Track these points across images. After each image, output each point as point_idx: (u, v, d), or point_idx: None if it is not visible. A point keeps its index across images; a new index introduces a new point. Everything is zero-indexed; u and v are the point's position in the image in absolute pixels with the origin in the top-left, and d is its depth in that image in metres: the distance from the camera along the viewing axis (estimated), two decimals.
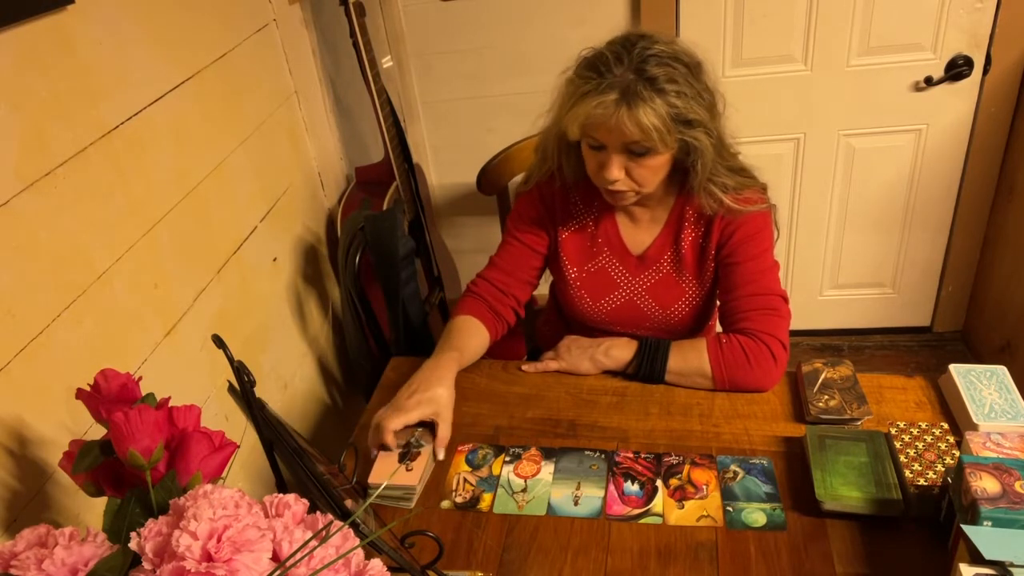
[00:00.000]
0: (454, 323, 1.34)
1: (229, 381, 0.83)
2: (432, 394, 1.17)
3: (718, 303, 1.32)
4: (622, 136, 1.11)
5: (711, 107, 1.15)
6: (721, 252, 1.27)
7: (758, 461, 1.10)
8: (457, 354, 1.26)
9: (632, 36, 1.13)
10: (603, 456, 1.14)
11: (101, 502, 0.72)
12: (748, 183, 1.25)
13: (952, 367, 1.15)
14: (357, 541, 0.67)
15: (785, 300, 1.25)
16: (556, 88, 1.19)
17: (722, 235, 1.26)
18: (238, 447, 0.78)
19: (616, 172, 1.15)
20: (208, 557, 0.59)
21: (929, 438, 1.04)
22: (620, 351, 1.27)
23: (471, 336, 1.32)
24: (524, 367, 1.33)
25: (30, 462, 0.96)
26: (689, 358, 1.23)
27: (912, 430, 1.05)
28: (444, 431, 1.16)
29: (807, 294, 2.43)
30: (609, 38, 1.15)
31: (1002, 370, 1.13)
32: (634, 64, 1.09)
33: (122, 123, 1.17)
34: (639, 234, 1.34)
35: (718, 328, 1.34)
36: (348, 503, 0.84)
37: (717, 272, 1.31)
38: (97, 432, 0.77)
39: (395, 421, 1.13)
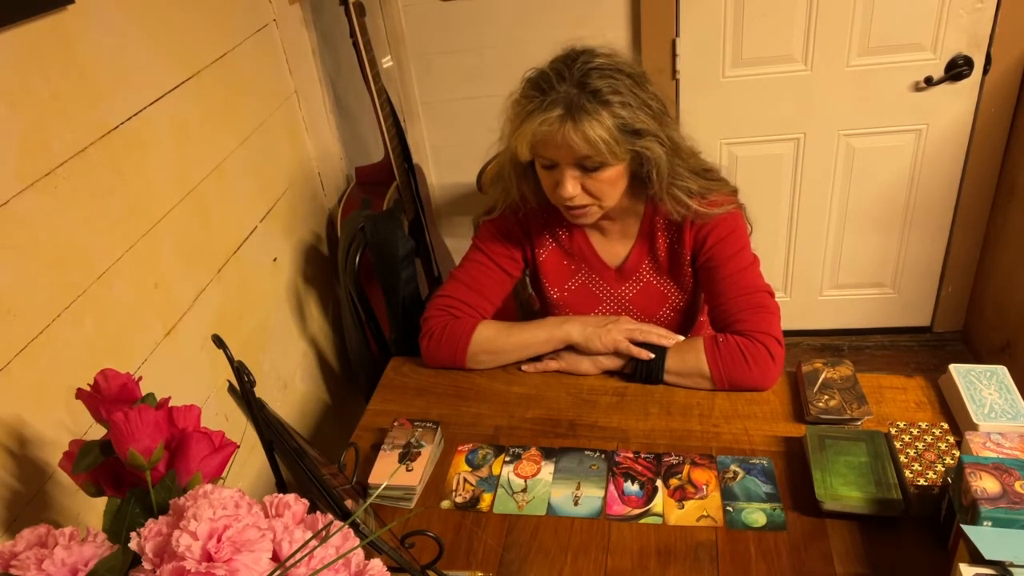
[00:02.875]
0: (488, 329, 1.31)
1: (229, 381, 0.83)
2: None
3: (707, 307, 1.32)
4: (572, 152, 1.11)
5: (659, 115, 1.15)
6: (698, 258, 1.28)
7: (758, 461, 1.10)
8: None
9: (573, 52, 1.14)
10: (603, 456, 1.14)
11: (101, 502, 0.72)
12: (714, 186, 1.24)
13: (952, 367, 1.15)
14: (357, 541, 0.67)
15: (771, 295, 1.25)
16: (505, 111, 1.19)
17: (695, 240, 1.26)
18: (238, 447, 0.78)
19: (571, 188, 1.15)
20: (208, 557, 0.59)
21: (929, 438, 1.04)
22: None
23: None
24: (524, 367, 1.33)
25: (30, 462, 0.96)
26: (687, 359, 1.23)
27: (912, 430, 1.05)
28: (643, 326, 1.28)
29: (807, 294, 2.43)
30: (552, 56, 1.16)
31: (1002, 370, 1.13)
32: (576, 79, 1.10)
33: (122, 123, 1.17)
34: (613, 247, 1.34)
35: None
36: (348, 503, 0.84)
37: (696, 276, 1.31)
38: (97, 432, 0.77)
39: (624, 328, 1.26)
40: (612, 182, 1.17)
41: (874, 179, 2.19)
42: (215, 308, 1.42)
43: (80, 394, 0.78)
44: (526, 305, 1.70)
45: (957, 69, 1.97)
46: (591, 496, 1.07)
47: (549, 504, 1.07)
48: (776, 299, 1.25)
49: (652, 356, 1.24)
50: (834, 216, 2.27)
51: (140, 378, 0.79)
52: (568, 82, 1.10)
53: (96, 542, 0.66)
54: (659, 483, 1.08)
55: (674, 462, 1.11)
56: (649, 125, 1.13)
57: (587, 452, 1.15)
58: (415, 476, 1.10)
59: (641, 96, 1.12)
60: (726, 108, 2.12)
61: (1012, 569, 0.75)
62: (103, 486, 0.76)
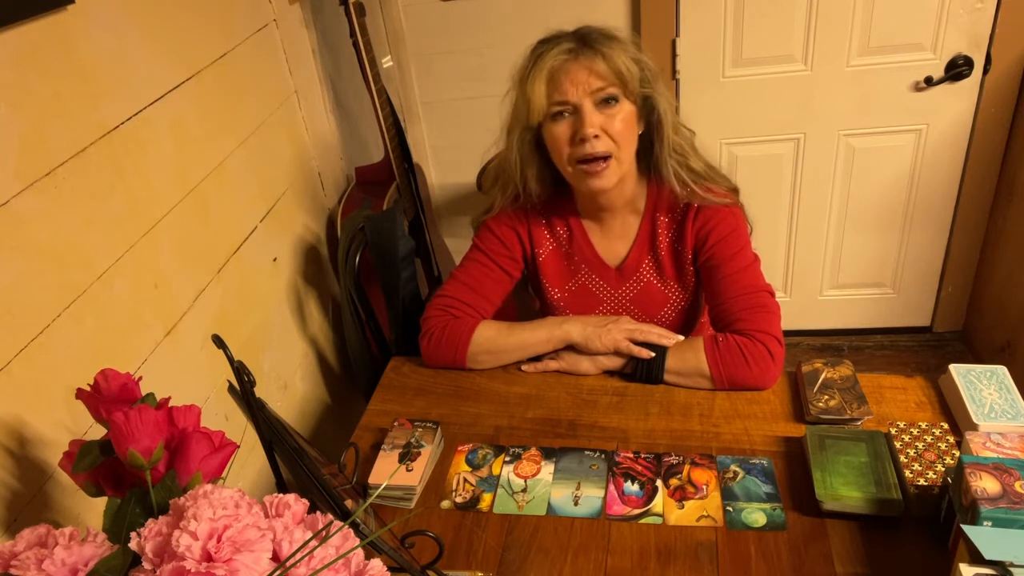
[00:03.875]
0: (488, 330, 1.31)
1: (229, 381, 0.83)
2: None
3: (707, 307, 1.32)
4: (590, 82, 1.14)
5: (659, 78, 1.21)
6: (699, 257, 1.28)
7: (758, 461, 1.10)
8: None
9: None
10: (603, 456, 1.14)
11: (101, 502, 0.72)
12: (715, 176, 1.26)
13: (952, 367, 1.15)
14: (357, 541, 0.67)
15: (772, 294, 1.25)
16: (508, 99, 1.22)
17: (696, 238, 1.27)
18: (238, 447, 0.78)
19: (591, 125, 1.15)
20: (208, 557, 0.59)
21: (929, 438, 1.04)
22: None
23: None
24: (524, 367, 1.33)
25: (30, 462, 0.96)
26: (687, 358, 1.23)
27: (912, 430, 1.05)
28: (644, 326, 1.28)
29: (807, 294, 2.43)
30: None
31: (1002, 370, 1.13)
32: (580, 34, 1.16)
33: (122, 123, 1.17)
34: (613, 246, 1.34)
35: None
36: (348, 503, 0.84)
37: (698, 274, 1.31)
38: (97, 432, 0.77)
39: (625, 328, 1.26)
40: (628, 124, 1.18)
41: (874, 179, 2.19)
42: (215, 308, 1.42)
43: (80, 394, 0.78)
44: (526, 306, 1.70)
45: (957, 69, 1.97)
46: (591, 496, 1.07)
47: (549, 504, 1.07)
48: (776, 299, 1.25)
49: (652, 355, 1.24)
50: (834, 216, 2.27)
51: (140, 378, 0.79)
52: (574, 34, 1.16)
53: (96, 542, 0.66)
54: (659, 483, 1.08)
55: (674, 462, 1.11)
56: (654, 72, 1.18)
57: (587, 452, 1.15)
58: (415, 476, 1.10)
59: (643, 55, 1.18)
60: (726, 108, 2.12)
61: (1012, 569, 0.75)
62: (103, 486, 0.76)
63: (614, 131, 1.16)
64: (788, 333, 1.28)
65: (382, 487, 1.09)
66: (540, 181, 1.28)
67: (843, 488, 0.99)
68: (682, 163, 1.21)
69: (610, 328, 1.26)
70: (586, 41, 1.14)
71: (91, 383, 0.78)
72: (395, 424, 1.20)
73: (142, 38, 1.23)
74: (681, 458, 1.12)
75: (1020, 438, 0.97)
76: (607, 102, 1.15)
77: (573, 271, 1.36)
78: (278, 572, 0.61)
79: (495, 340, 1.30)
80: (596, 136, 1.15)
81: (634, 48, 1.17)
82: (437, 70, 2.16)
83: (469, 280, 1.35)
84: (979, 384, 1.11)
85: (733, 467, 1.09)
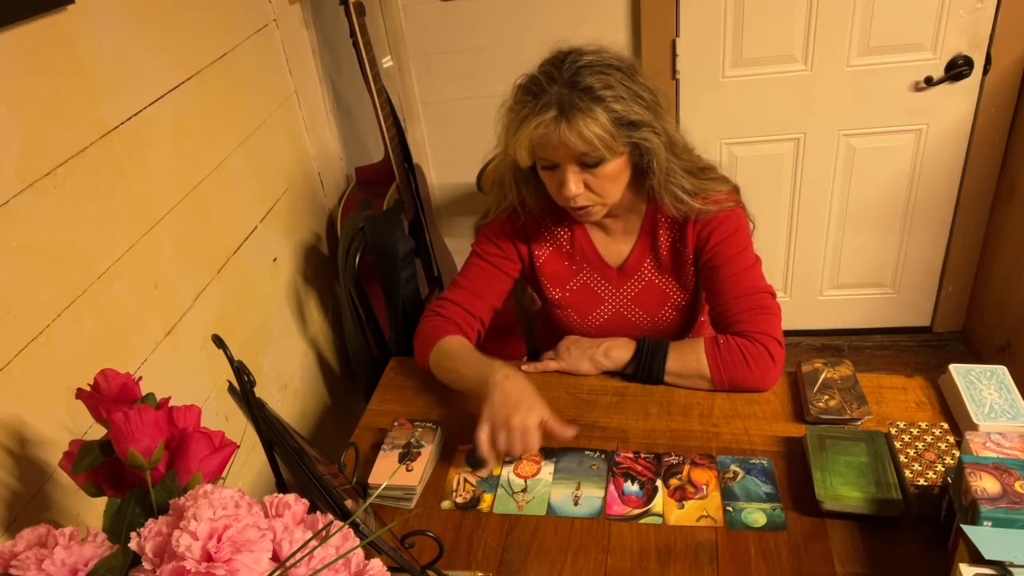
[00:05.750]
0: (452, 343, 1.27)
1: (229, 381, 0.83)
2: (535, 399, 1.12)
3: (708, 307, 1.32)
4: (570, 150, 1.11)
5: (652, 106, 1.14)
6: (701, 256, 1.27)
7: (758, 461, 1.10)
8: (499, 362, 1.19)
9: (561, 53, 1.14)
10: (603, 456, 1.14)
11: (101, 502, 0.72)
12: (710, 185, 1.23)
13: (952, 367, 1.15)
14: (357, 541, 0.67)
15: (773, 295, 1.24)
16: (499, 120, 1.18)
17: (698, 239, 1.26)
18: (238, 447, 0.78)
19: (574, 187, 1.14)
20: (208, 557, 0.59)
21: (929, 438, 1.04)
22: (619, 352, 1.28)
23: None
24: (524, 367, 1.33)
25: (30, 462, 0.96)
26: (687, 359, 1.23)
27: (912, 430, 1.05)
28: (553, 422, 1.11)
29: (807, 294, 2.43)
30: (542, 59, 1.15)
31: (1002, 370, 1.13)
32: (566, 79, 1.09)
33: (122, 123, 1.17)
34: (615, 245, 1.33)
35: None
36: (348, 503, 0.84)
37: (699, 274, 1.31)
38: (97, 432, 0.77)
39: (536, 416, 1.08)
40: (613, 177, 1.17)
41: (874, 179, 2.19)
42: (215, 308, 1.42)
43: (80, 394, 0.78)
44: (527, 307, 1.70)
45: (957, 69, 1.97)
46: (591, 496, 1.07)
47: (549, 504, 1.07)
48: (777, 300, 1.25)
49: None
50: (834, 216, 2.27)
51: (140, 378, 0.79)
52: (559, 83, 1.10)
53: (96, 542, 0.66)
54: (659, 483, 1.08)
55: (674, 462, 1.11)
56: (644, 116, 1.12)
57: (587, 452, 1.15)
58: (415, 476, 1.10)
59: (633, 88, 1.12)
60: (726, 108, 2.12)
61: (1012, 569, 0.75)
62: (103, 486, 0.76)
63: (597, 187, 1.16)
64: (788, 333, 1.28)
65: (382, 487, 1.09)
66: (537, 199, 1.27)
67: (843, 488, 0.99)
68: (676, 185, 1.19)
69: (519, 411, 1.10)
70: (568, 108, 1.08)
71: (91, 383, 0.78)
72: (395, 424, 1.20)
73: (142, 38, 1.23)
74: (681, 458, 1.12)
75: (1020, 438, 0.97)
76: (591, 164, 1.13)
77: (575, 271, 1.36)
78: (278, 572, 0.61)
79: (447, 355, 1.26)
80: (578, 195, 1.15)
81: (625, 88, 1.10)
82: (437, 70, 2.16)
83: (465, 283, 1.35)
84: (979, 384, 1.11)
85: (733, 467, 1.09)
